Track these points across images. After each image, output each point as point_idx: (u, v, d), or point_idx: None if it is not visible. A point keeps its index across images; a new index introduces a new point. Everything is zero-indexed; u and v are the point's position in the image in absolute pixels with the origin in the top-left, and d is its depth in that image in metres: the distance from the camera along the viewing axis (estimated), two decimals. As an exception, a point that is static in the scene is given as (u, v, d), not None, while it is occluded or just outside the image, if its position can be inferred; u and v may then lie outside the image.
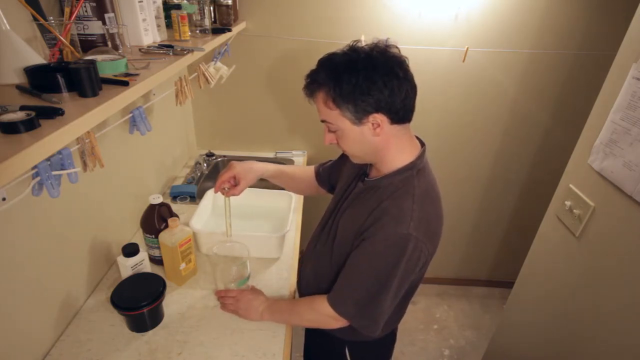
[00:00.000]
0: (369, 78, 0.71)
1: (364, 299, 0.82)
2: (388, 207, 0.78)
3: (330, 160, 1.11)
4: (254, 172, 1.03)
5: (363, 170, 0.91)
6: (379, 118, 0.74)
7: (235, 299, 1.02)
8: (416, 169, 0.81)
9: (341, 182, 0.99)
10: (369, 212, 0.80)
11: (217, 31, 1.32)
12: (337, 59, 0.75)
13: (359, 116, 0.74)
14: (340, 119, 0.76)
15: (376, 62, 0.72)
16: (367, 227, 0.79)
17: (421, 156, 0.83)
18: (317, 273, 0.99)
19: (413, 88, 0.77)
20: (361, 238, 0.81)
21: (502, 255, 2.31)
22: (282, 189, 1.21)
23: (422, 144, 0.86)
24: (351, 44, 0.76)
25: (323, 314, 0.87)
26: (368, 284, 0.81)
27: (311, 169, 1.15)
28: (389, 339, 1.07)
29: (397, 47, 0.77)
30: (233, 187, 1.03)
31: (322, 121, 0.81)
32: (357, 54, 0.74)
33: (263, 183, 1.93)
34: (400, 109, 0.75)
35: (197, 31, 1.29)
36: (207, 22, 1.31)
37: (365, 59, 0.73)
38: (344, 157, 1.03)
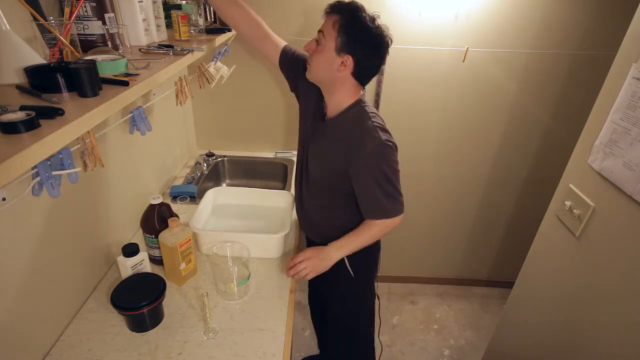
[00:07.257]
0: (368, 36, 0.96)
1: (393, 195, 1.06)
2: (358, 135, 1.01)
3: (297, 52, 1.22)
4: None
5: (320, 111, 1.13)
6: (349, 61, 0.98)
7: (306, 262, 1.08)
8: (362, 103, 1.06)
9: (302, 120, 1.20)
10: (344, 146, 1.03)
11: (217, 31, 1.32)
12: (365, 13, 0.97)
13: (341, 48, 0.97)
14: (332, 40, 0.97)
15: (380, 38, 0.98)
16: (351, 158, 1.02)
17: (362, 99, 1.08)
18: (319, 208, 1.19)
19: (379, 70, 1.05)
20: (354, 169, 1.03)
21: (502, 255, 2.31)
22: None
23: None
24: (375, 17, 0.99)
25: (383, 225, 1.08)
26: (387, 187, 1.03)
27: (277, 38, 1.23)
28: (376, 247, 1.25)
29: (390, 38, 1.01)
30: None
31: (319, 32, 1.01)
32: (375, 23, 0.98)
33: (263, 183, 1.93)
34: (364, 69, 1.01)
35: (197, 31, 1.29)
36: (205, 22, 1.31)
37: (378, 29, 0.97)
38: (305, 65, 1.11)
